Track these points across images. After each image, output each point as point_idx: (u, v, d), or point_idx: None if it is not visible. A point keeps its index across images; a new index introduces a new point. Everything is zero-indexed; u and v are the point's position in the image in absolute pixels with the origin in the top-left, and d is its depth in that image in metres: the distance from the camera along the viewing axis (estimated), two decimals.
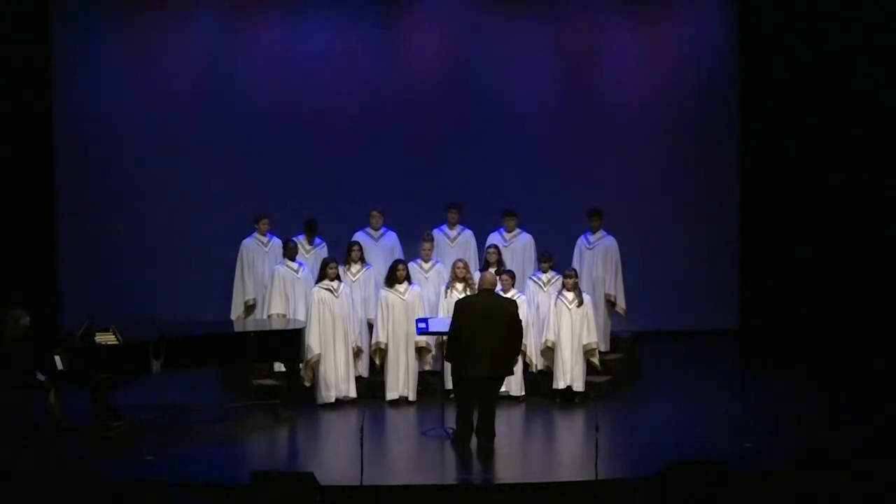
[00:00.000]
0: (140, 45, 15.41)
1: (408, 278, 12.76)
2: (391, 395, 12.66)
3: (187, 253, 15.39)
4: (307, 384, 12.45)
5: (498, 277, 12.81)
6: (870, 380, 13.41)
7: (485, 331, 10.76)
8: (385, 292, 12.71)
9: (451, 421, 11.33)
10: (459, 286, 12.61)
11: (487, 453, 10.78)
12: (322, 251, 13.58)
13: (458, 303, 11.15)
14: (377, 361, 12.76)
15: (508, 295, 12.61)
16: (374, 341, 12.76)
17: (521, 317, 12.52)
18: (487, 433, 10.94)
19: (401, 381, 12.68)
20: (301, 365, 12.32)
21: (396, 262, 12.86)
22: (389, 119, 15.66)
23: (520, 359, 12.62)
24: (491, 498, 9.76)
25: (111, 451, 10.77)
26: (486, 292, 11.20)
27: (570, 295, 12.69)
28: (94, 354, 11.13)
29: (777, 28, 15.57)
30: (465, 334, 10.81)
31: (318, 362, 12.38)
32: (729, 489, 9.36)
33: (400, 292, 12.67)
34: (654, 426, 11.76)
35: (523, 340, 12.53)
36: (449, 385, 12.07)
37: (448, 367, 11.76)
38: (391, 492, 9.78)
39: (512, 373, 11.39)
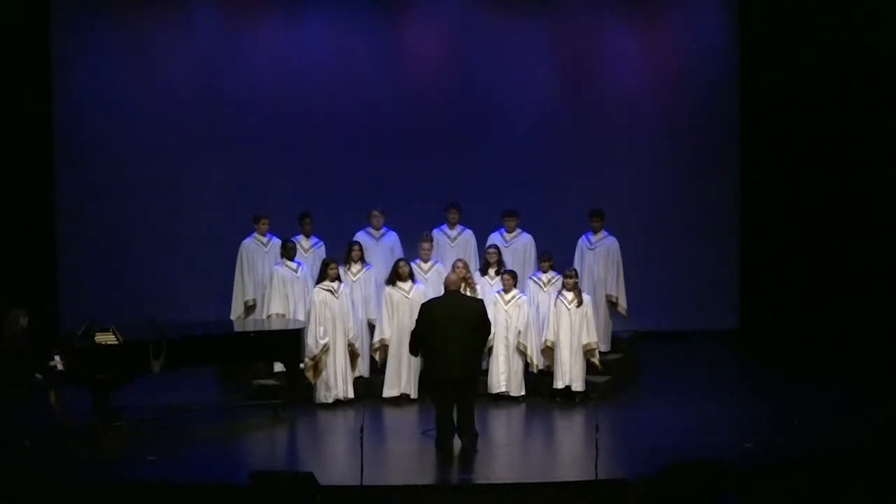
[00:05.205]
0: (140, 45, 15.43)
1: (411, 276, 12.76)
2: (392, 392, 12.67)
3: (187, 253, 15.40)
4: (312, 382, 12.42)
5: (500, 277, 12.87)
6: (869, 380, 13.41)
7: (453, 332, 10.69)
8: (389, 289, 12.70)
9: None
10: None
11: (471, 454, 10.75)
12: (320, 251, 13.58)
13: (424, 306, 11.08)
14: (378, 359, 12.75)
15: (509, 295, 12.65)
16: (377, 338, 12.76)
17: (524, 316, 12.63)
18: (468, 434, 10.90)
19: (403, 380, 12.68)
20: (305, 362, 12.30)
21: (398, 260, 12.87)
22: (390, 119, 15.67)
23: (520, 359, 12.70)
24: (491, 498, 9.75)
25: (111, 451, 10.77)
26: (452, 293, 11.16)
27: (570, 295, 12.69)
28: (94, 354, 11.13)
29: (777, 29, 15.58)
30: (435, 337, 10.76)
31: (323, 358, 12.35)
32: (729, 489, 9.36)
33: (405, 290, 12.67)
34: (653, 426, 11.76)
35: (523, 341, 12.64)
36: None
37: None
38: (391, 492, 9.78)
39: (478, 373, 11.36)
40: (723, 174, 16.05)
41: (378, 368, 12.82)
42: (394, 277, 12.74)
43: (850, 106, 15.15)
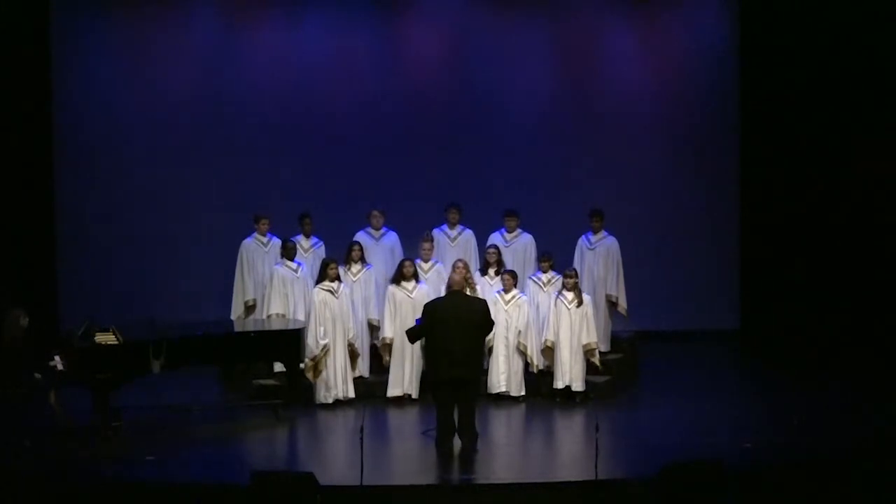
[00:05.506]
0: (140, 45, 15.43)
1: (415, 276, 12.77)
2: (395, 391, 12.67)
3: (187, 253, 15.40)
4: (312, 382, 12.41)
5: (500, 277, 12.87)
6: (869, 380, 13.41)
7: (456, 332, 10.71)
8: (393, 288, 12.71)
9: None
10: None
11: (471, 454, 10.74)
12: (320, 251, 13.59)
13: (428, 306, 11.10)
14: (386, 357, 12.74)
15: (509, 295, 12.64)
16: (380, 336, 12.76)
17: (524, 316, 12.63)
18: (469, 434, 10.90)
19: (406, 379, 12.68)
20: (305, 362, 12.29)
21: (404, 259, 12.89)
22: (390, 119, 15.67)
23: (520, 359, 12.70)
24: (491, 498, 9.75)
25: (111, 451, 10.77)
26: (455, 293, 11.18)
27: (570, 295, 12.69)
28: (94, 354, 11.13)
29: (777, 29, 15.57)
30: (437, 337, 10.79)
31: (324, 358, 12.35)
32: (729, 489, 9.36)
33: (408, 290, 12.67)
34: (653, 426, 11.76)
35: (523, 341, 12.64)
36: None
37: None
38: (391, 492, 9.78)
39: (480, 374, 11.39)
40: (723, 174, 16.04)
41: (384, 368, 12.81)
42: (398, 277, 12.74)
43: (850, 106, 15.16)
